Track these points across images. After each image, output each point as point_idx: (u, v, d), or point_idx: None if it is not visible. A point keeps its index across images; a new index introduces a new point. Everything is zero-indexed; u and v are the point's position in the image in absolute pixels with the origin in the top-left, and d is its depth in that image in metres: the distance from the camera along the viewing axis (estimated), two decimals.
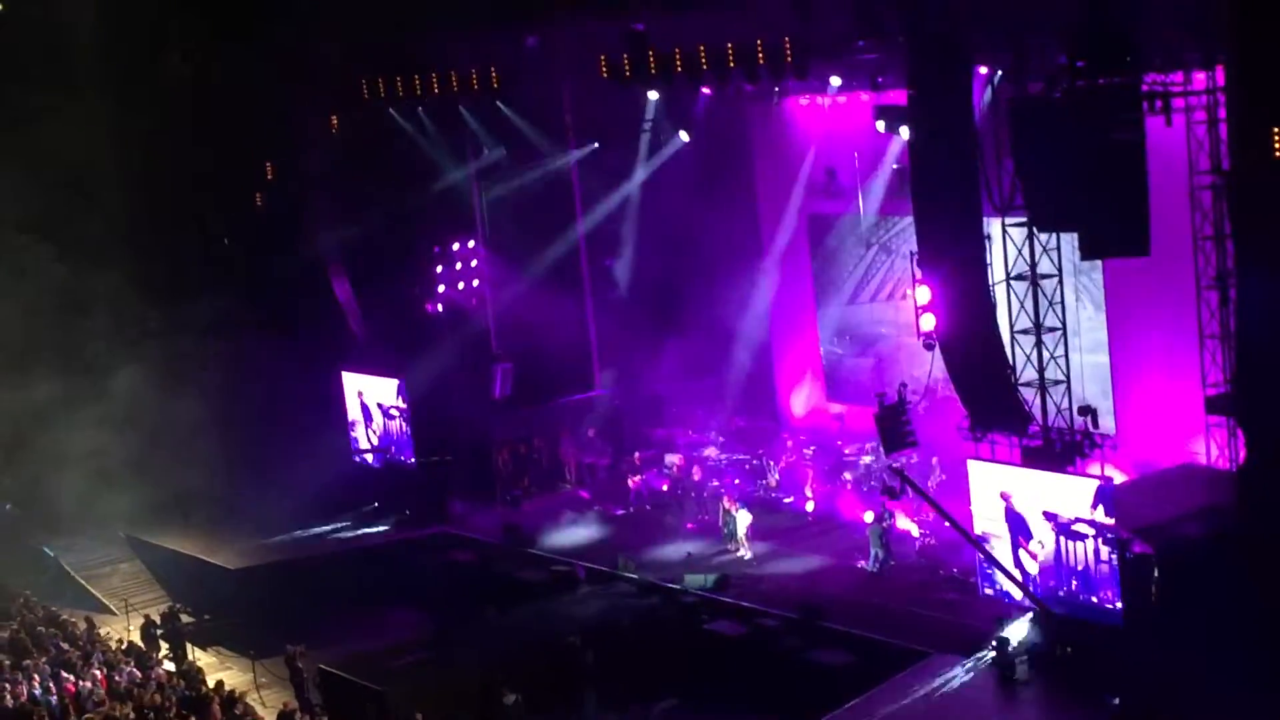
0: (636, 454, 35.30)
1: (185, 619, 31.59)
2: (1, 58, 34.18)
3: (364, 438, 37.15)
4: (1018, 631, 23.93)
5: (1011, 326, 24.87)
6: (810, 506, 32.19)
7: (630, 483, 34.49)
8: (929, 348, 24.68)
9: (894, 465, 24.20)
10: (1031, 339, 24.56)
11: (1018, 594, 24.23)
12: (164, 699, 24.30)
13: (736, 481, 33.29)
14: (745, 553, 30.12)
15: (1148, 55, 22.54)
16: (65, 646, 27.43)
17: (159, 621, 30.75)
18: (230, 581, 33.03)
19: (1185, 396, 26.11)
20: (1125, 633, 22.52)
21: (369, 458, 37.08)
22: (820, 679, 24.74)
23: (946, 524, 25.95)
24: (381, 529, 35.10)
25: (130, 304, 35.19)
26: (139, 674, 25.97)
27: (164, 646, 30.16)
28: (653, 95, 34.11)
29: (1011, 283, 24.85)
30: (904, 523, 29.46)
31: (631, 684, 26.42)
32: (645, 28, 31.05)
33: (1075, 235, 22.77)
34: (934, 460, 29.67)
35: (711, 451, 35.10)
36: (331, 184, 36.91)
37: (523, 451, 36.84)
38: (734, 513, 30.58)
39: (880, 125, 29.53)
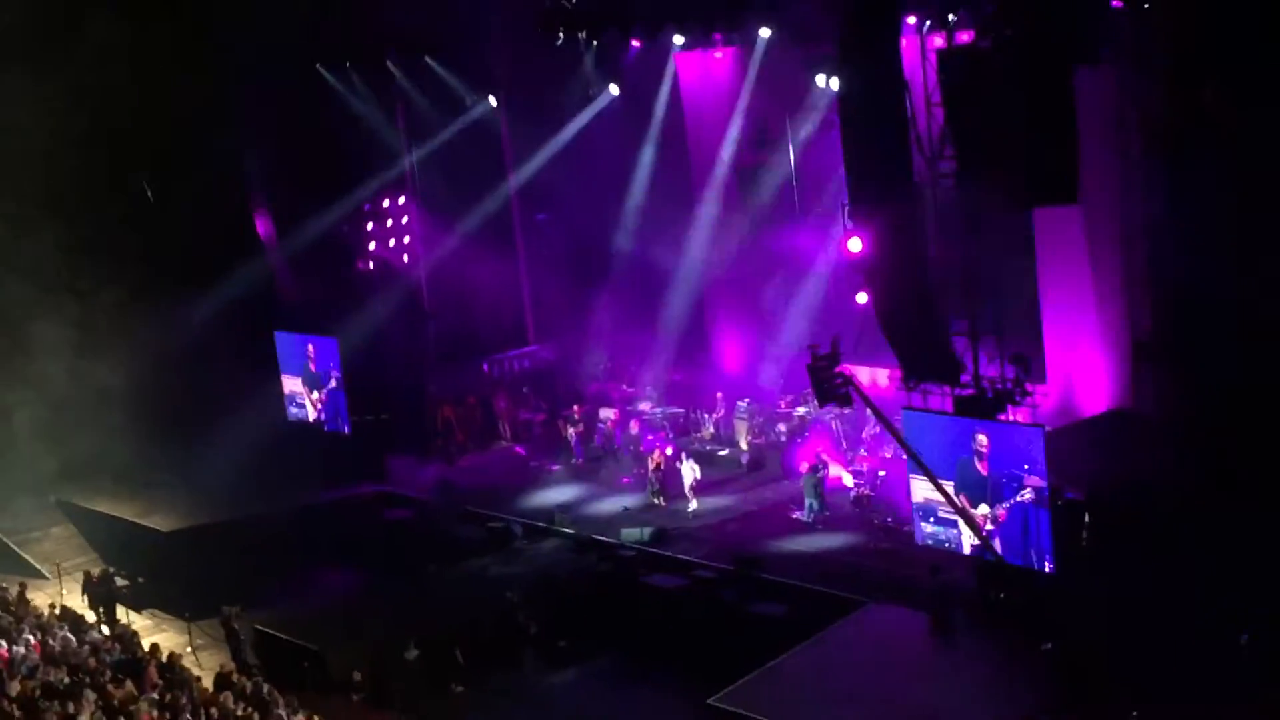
0: (575, 406, 35.29)
1: (119, 581, 31.33)
2: None
3: (311, 409, 36.80)
4: (950, 578, 24.14)
5: (942, 276, 24.96)
6: (745, 459, 32.33)
7: (568, 434, 34.48)
8: (861, 297, 24.80)
9: (843, 373, 23.75)
10: (961, 288, 24.65)
11: (955, 536, 24.39)
12: (99, 662, 24.10)
13: (670, 436, 33.35)
14: (693, 505, 30.21)
15: (1075, 3, 22.63)
16: None
17: (96, 581, 30.53)
18: (164, 544, 32.76)
19: (1114, 344, 26.36)
20: (1057, 579, 22.75)
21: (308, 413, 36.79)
22: (758, 630, 24.86)
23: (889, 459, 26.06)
24: (316, 489, 34.86)
25: (57, 264, 34.65)
26: (73, 639, 25.73)
27: (99, 610, 29.93)
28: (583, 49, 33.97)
29: (941, 233, 24.92)
30: (839, 473, 29.65)
31: (570, 639, 26.48)
32: None
33: (1005, 184, 22.87)
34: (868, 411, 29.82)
35: (646, 405, 35.17)
36: (260, 141, 36.51)
37: (458, 409, 36.74)
38: (679, 466, 30.64)
39: (812, 76, 29.71)
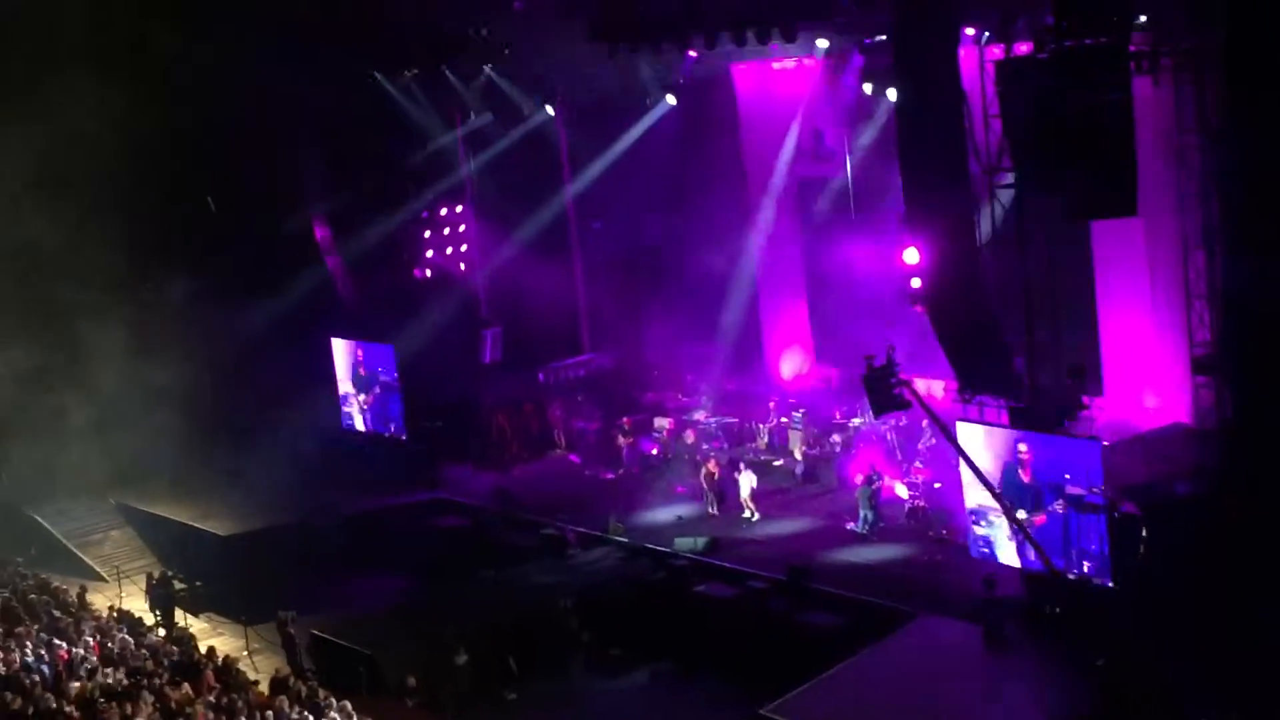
0: (625, 417, 35.35)
1: (178, 585, 31.65)
2: None
3: (357, 413, 37.05)
4: (1005, 591, 24.03)
5: (999, 288, 24.86)
6: (800, 469, 32.29)
7: (620, 444, 34.55)
8: (917, 308, 24.74)
9: (903, 379, 23.70)
10: (1020, 300, 24.55)
11: (1005, 555, 24.28)
12: (157, 665, 24.36)
13: (724, 446, 33.32)
14: (751, 514, 30.20)
15: (1134, 15, 22.52)
16: (57, 614, 27.46)
17: (156, 583, 30.86)
18: (221, 548, 33.07)
19: (1172, 356, 26.17)
20: (1112, 593, 22.60)
21: (358, 422, 37.03)
22: (809, 641, 24.82)
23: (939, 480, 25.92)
24: (371, 495, 35.05)
25: (116, 268, 35.02)
26: (131, 640, 26.02)
27: (156, 613, 30.26)
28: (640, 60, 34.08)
29: (998, 244, 24.82)
30: (893, 485, 29.54)
31: (622, 647, 26.52)
32: None
33: (1062, 196, 22.75)
34: (925, 423, 29.71)
35: (701, 415, 35.18)
36: (320, 150, 36.82)
37: (513, 417, 36.86)
38: (737, 475, 30.64)
39: (867, 87, 29.62)
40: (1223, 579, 21.52)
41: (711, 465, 31.22)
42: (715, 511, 30.69)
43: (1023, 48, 23.49)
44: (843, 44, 30.21)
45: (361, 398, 36.83)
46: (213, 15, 33.51)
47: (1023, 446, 23.44)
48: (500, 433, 36.67)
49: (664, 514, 31.26)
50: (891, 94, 25.58)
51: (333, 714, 21.95)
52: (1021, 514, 23.38)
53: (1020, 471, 23.48)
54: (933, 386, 29.82)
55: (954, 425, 24.72)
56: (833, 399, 33.82)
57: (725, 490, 30.79)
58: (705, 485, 31.04)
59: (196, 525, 34.29)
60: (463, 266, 39.78)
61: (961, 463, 24.28)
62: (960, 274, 23.83)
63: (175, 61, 33.47)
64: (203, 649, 26.19)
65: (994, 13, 24.14)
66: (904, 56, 24.15)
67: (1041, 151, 22.17)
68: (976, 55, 24.94)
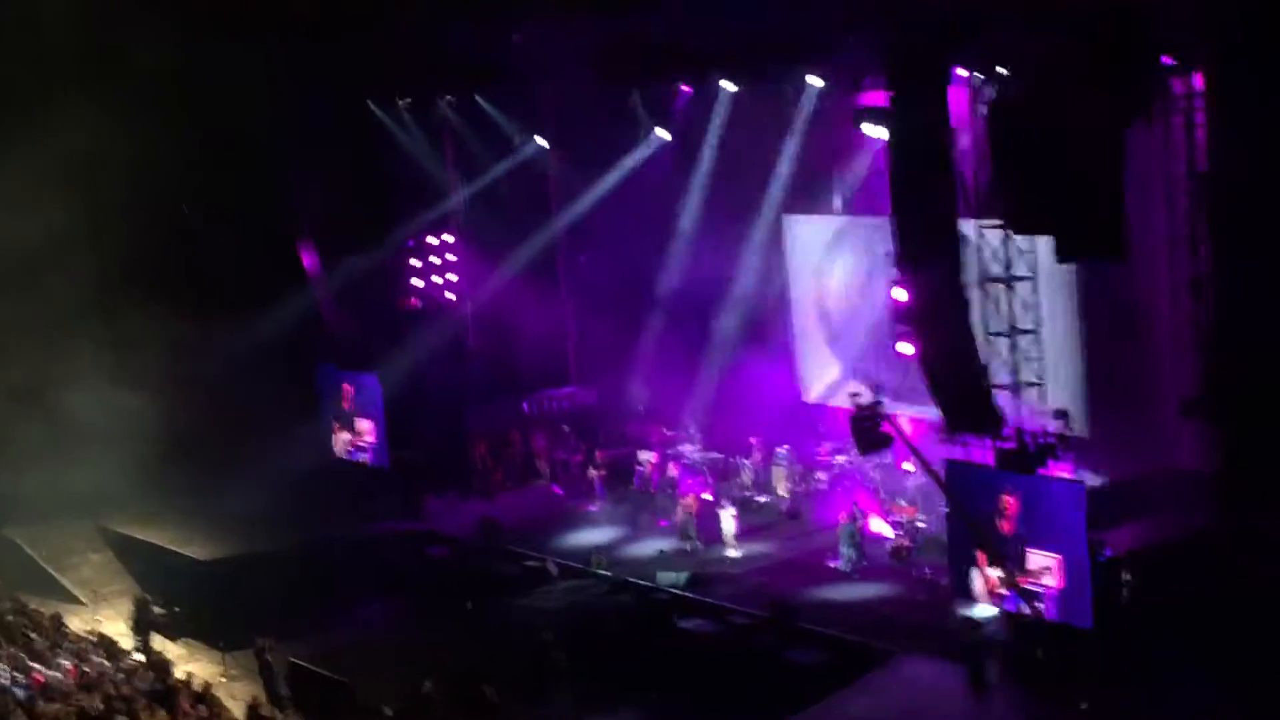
0: (597, 451, 35.29)
1: (156, 610, 31.43)
2: None
3: (340, 443, 36.93)
4: (989, 633, 23.95)
5: (986, 328, 24.89)
6: (784, 506, 32.22)
7: (592, 476, 34.45)
8: (904, 348, 24.75)
9: (887, 414, 23.66)
10: (1006, 341, 24.58)
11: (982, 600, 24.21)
12: (132, 690, 24.18)
13: (708, 480, 33.25)
14: (732, 552, 30.08)
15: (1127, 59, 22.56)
16: (33, 636, 27.27)
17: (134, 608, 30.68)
18: (200, 573, 32.89)
19: (1159, 399, 26.17)
20: (1097, 636, 22.54)
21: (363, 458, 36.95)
22: (792, 678, 24.73)
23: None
24: (354, 523, 34.89)
25: (99, 289, 34.87)
26: (109, 665, 25.84)
27: (133, 637, 30.06)
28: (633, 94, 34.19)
29: (986, 284, 24.86)
30: (877, 524, 29.49)
31: (603, 680, 26.38)
32: (628, 25, 31.00)
33: (1051, 238, 22.78)
34: (910, 461, 29.69)
35: (686, 448, 35.12)
36: (309, 174, 36.77)
37: (497, 446, 36.77)
38: (719, 512, 30.53)
39: (861, 126, 29.69)
40: (1209, 624, 21.47)
41: (689, 500, 31.14)
42: (691, 547, 30.58)
43: (1015, 89, 23.54)
44: (836, 83, 30.30)
45: (345, 435, 36.69)
46: (202, 35, 33.47)
47: (1007, 498, 23.39)
48: (484, 462, 36.58)
49: (647, 548, 31.18)
50: (883, 132, 25.60)
51: None
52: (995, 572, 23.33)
53: (999, 522, 23.41)
54: (918, 425, 29.80)
55: (940, 464, 24.70)
56: (817, 436, 33.80)
57: (705, 525, 30.68)
58: (680, 522, 30.96)
59: (175, 549, 34.11)
60: (451, 296, 39.71)
61: (949, 503, 24.27)
62: (948, 314, 23.82)
63: (162, 77, 33.39)
64: (179, 675, 26.00)
65: (987, 53, 24.20)
66: (896, 95, 24.20)
67: (1030, 194, 22.20)
68: (968, 95, 25.02)
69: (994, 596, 23.80)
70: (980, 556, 23.75)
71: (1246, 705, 20.32)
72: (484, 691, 25.29)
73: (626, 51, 30.82)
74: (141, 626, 30.30)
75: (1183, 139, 24.15)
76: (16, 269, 33.53)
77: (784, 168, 33.86)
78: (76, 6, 32.14)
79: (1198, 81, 23.39)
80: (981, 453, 24.55)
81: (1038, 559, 23.01)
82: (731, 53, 29.05)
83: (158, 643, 30.18)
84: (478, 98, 36.16)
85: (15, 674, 24.41)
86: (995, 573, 23.55)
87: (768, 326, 35.89)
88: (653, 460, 34.74)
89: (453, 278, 39.86)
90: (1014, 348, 24.52)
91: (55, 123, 32.10)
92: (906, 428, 27.27)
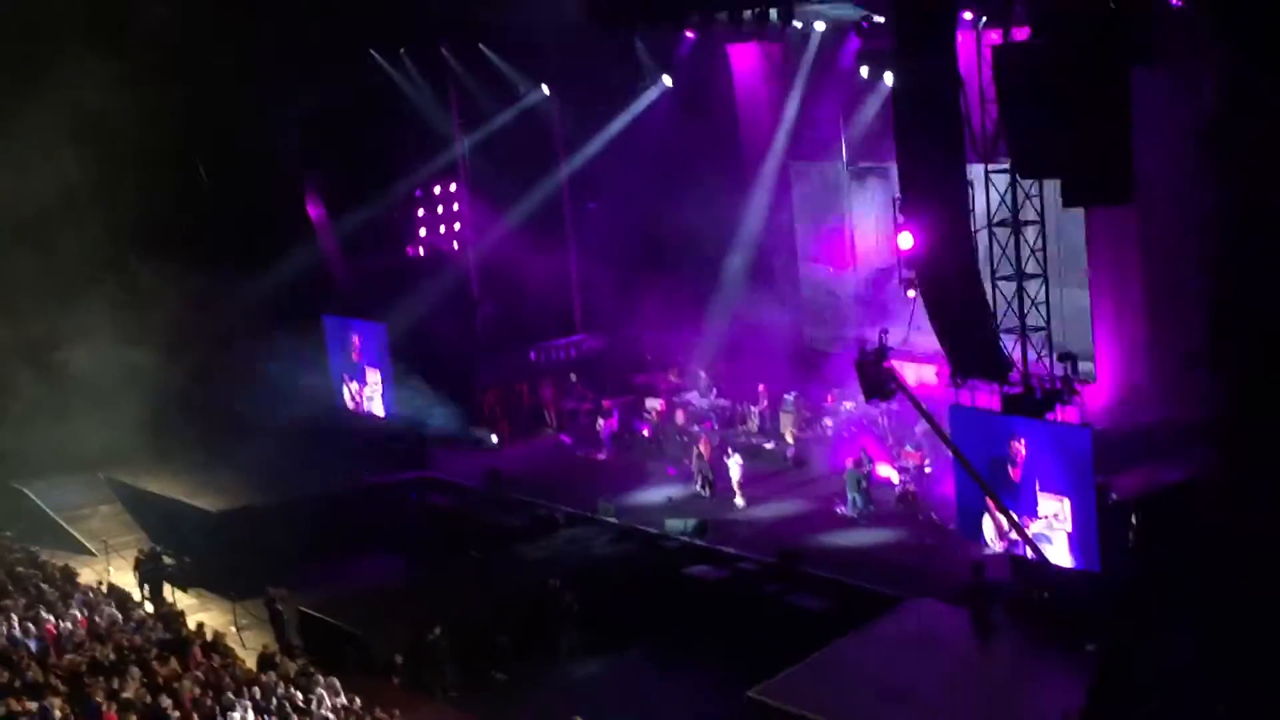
0: (604, 399, 35.32)
1: (166, 561, 31.60)
2: None
3: (349, 395, 36.97)
4: (995, 576, 24.04)
5: (993, 273, 24.84)
6: (790, 452, 32.27)
7: (600, 425, 34.53)
8: (910, 293, 24.74)
9: (890, 370, 23.70)
10: (1013, 285, 24.55)
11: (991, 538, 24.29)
12: (144, 640, 24.33)
13: (715, 428, 33.29)
14: (739, 501, 30.17)
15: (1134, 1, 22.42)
16: (45, 588, 27.41)
17: (144, 558, 30.81)
18: (211, 524, 33.02)
19: (1166, 346, 26.14)
20: (1103, 579, 22.61)
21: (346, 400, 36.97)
22: (798, 623, 24.84)
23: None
24: (361, 473, 34.98)
25: (107, 243, 34.88)
26: (119, 615, 25.99)
27: (146, 587, 30.23)
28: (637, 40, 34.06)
29: (993, 229, 24.81)
30: (884, 469, 29.55)
31: (611, 629, 26.51)
32: None
33: (1058, 182, 22.71)
34: None
35: (692, 396, 35.15)
36: (313, 125, 36.67)
37: (504, 396, 36.82)
38: (726, 460, 30.61)
39: (864, 70, 29.56)
40: (1212, 567, 21.53)
41: (702, 446, 31.20)
42: (706, 493, 30.68)
43: (1020, 32, 23.39)
44: (840, 25, 30.13)
45: (354, 385, 36.73)
46: None
47: (1017, 444, 23.40)
48: (491, 412, 36.63)
49: (654, 495, 31.26)
50: (888, 77, 25.48)
51: (320, 691, 21.94)
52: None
53: (1010, 470, 23.45)
54: (924, 371, 29.82)
55: (947, 410, 24.72)
56: (825, 382, 33.81)
57: (716, 472, 30.76)
58: (695, 467, 31.03)
59: (186, 501, 34.23)
60: (456, 245, 39.68)
61: (952, 453, 24.29)
62: (954, 259, 23.78)
63: (167, 34, 33.28)
64: (191, 625, 26.16)
65: None
66: (902, 40, 24.06)
67: (1038, 137, 22.10)
68: (974, 39, 24.87)
69: (1004, 540, 23.87)
70: (990, 501, 23.81)
71: (1248, 648, 20.40)
72: (494, 639, 25.49)
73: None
74: (152, 577, 30.46)
75: (1190, 82, 23.97)
76: (27, 227, 33.53)
77: (790, 114, 33.73)
78: None
79: (1205, 24, 23.19)
80: (989, 398, 24.56)
81: (1048, 503, 23.07)
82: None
83: (169, 593, 30.35)
84: (481, 46, 35.97)
85: (28, 624, 24.55)
86: (1003, 519, 23.61)
87: (775, 274, 35.82)
88: (660, 408, 34.78)
89: (457, 227, 39.80)
90: (1020, 291, 24.46)
91: (64, 81, 32.00)
92: (911, 376, 27.29)
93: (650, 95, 35.52)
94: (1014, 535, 23.57)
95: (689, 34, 32.98)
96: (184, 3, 33.33)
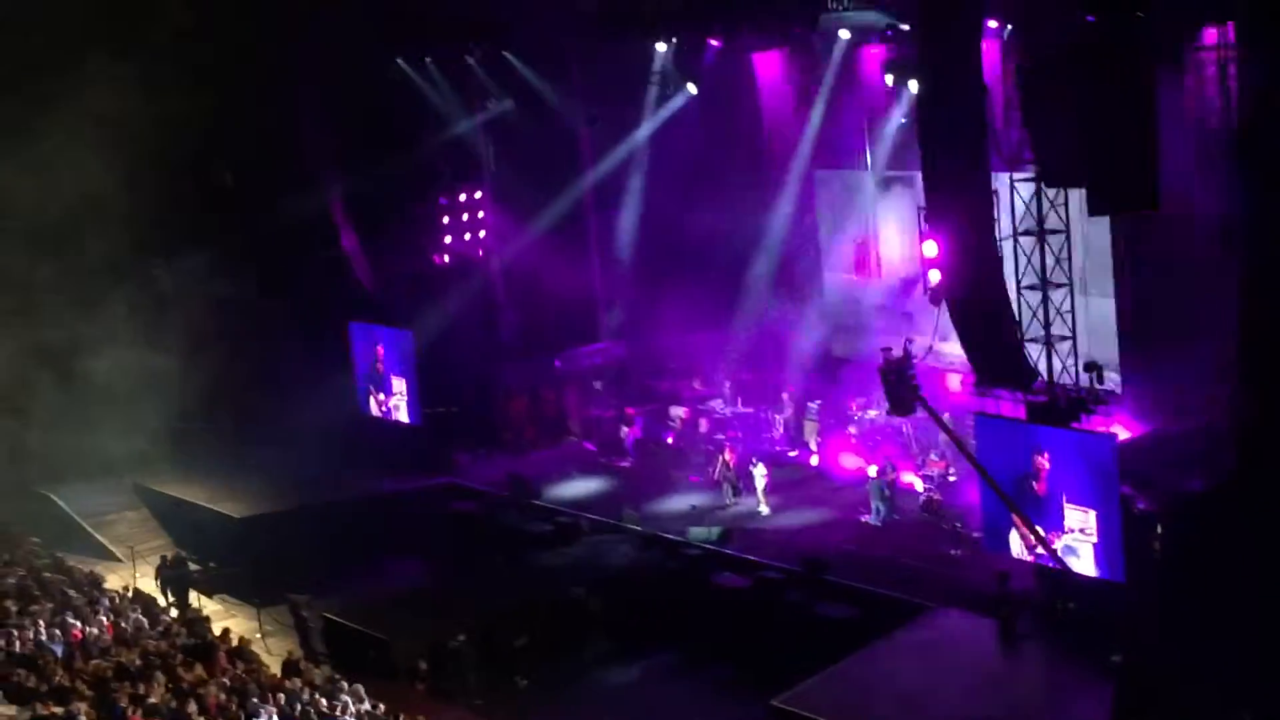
0: (627, 407, 35.32)
1: (192, 566, 31.69)
2: None
3: (374, 404, 37.04)
4: (1019, 586, 23.96)
5: (1018, 282, 24.79)
6: (815, 460, 32.23)
7: (623, 433, 34.52)
8: (935, 302, 24.67)
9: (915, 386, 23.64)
10: (1038, 294, 24.49)
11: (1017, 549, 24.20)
12: (170, 645, 24.40)
13: (740, 435, 33.24)
14: (763, 509, 30.14)
15: (1159, 9, 22.35)
16: (71, 593, 27.51)
17: (169, 564, 30.90)
18: (236, 529, 33.11)
19: (1193, 355, 26.01)
20: (1128, 590, 22.52)
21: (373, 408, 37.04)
22: (823, 632, 24.82)
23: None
24: (384, 479, 35.04)
25: (131, 249, 34.98)
26: (145, 621, 26.06)
27: (170, 593, 30.32)
28: (660, 47, 34.05)
29: (1019, 238, 24.75)
30: (908, 477, 29.49)
31: (635, 636, 26.51)
32: None
33: (1083, 190, 22.64)
34: (945, 415, 29.61)
35: (717, 404, 35.13)
36: (339, 134, 36.78)
37: (529, 403, 36.85)
38: (751, 469, 30.58)
39: (889, 79, 29.51)
40: (1238, 577, 21.40)
41: (727, 454, 31.18)
42: (731, 500, 30.66)
43: (1045, 40, 23.36)
44: (864, 33, 30.12)
45: (380, 395, 36.77)
46: None
47: (1041, 458, 23.32)
48: (516, 419, 36.66)
49: (678, 503, 31.25)
50: (913, 85, 25.45)
51: (345, 697, 21.97)
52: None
53: (1034, 484, 23.38)
54: (950, 379, 29.75)
55: (973, 418, 24.65)
56: (849, 391, 33.74)
57: (741, 480, 30.74)
58: (721, 475, 31.02)
59: (211, 506, 34.32)
60: (480, 252, 39.75)
61: (974, 468, 24.24)
62: (979, 267, 23.75)
63: (193, 39, 33.40)
64: (216, 631, 26.23)
65: (1017, 4, 24.00)
66: (926, 48, 24.05)
67: (1062, 146, 22.06)
68: (999, 47, 24.84)
69: (1030, 553, 23.80)
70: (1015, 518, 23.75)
71: (1272, 659, 20.27)
72: (518, 645, 25.52)
73: (651, 6, 30.62)
74: (177, 582, 30.55)
75: (1215, 90, 23.91)
76: (50, 232, 33.66)
77: (814, 122, 33.71)
78: None
79: (1230, 31, 23.12)
80: (1013, 406, 24.49)
81: (1075, 516, 22.99)
82: (759, 5, 28.85)
83: (194, 599, 30.44)
84: (506, 54, 36.04)
85: (54, 630, 24.64)
86: (1028, 532, 23.54)
87: (799, 282, 35.78)
88: (684, 415, 34.77)
89: (483, 235, 39.86)
90: (1045, 300, 24.40)
91: (86, 86, 32.12)
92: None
93: (675, 103, 35.52)
94: (1040, 550, 23.50)
95: (714, 42, 32.99)
96: (209, 8, 33.44)
